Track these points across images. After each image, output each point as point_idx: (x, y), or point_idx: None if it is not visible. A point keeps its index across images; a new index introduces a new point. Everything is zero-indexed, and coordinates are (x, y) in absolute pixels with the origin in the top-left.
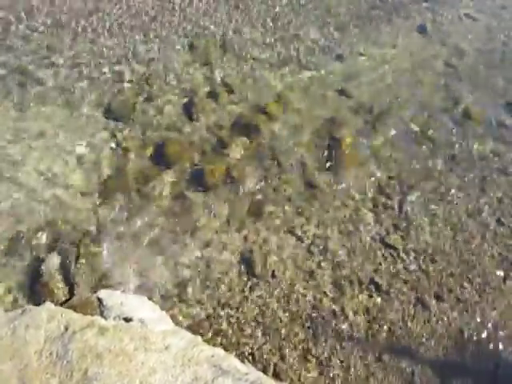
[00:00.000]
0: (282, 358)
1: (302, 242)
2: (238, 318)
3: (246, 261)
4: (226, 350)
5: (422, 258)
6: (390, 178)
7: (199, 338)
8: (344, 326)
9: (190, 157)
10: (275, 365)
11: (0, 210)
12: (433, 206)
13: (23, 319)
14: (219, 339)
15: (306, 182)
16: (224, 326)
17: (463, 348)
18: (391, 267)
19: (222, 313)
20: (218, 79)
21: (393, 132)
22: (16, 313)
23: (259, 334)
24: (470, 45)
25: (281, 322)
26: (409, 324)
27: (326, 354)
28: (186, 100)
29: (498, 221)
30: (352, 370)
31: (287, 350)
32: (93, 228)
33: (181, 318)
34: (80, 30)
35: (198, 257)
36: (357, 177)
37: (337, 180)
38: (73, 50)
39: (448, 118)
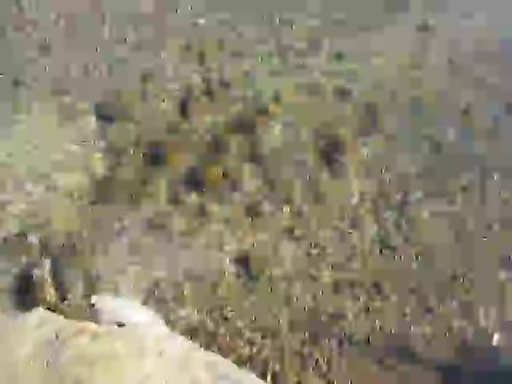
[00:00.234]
0: (281, 363)
1: (301, 245)
2: (235, 322)
3: (243, 263)
4: (222, 355)
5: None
6: (395, 176)
7: (195, 343)
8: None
9: (185, 157)
10: (274, 370)
11: None
12: (436, 207)
13: (12, 325)
14: (216, 344)
15: (305, 182)
16: (221, 330)
17: (465, 350)
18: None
19: (218, 316)
20: (215, 77)
21: (394, 131)
22: (5, 318)
23: (257, 338)
24: None
25: (279, 325)
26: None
27: (326, 359)
28: (181, 98)
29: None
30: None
31: (287, 355)
32: (85, 231)
33: (176, 322)
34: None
35: (194, 259)
36: (358, 176)
37: (337, 179)
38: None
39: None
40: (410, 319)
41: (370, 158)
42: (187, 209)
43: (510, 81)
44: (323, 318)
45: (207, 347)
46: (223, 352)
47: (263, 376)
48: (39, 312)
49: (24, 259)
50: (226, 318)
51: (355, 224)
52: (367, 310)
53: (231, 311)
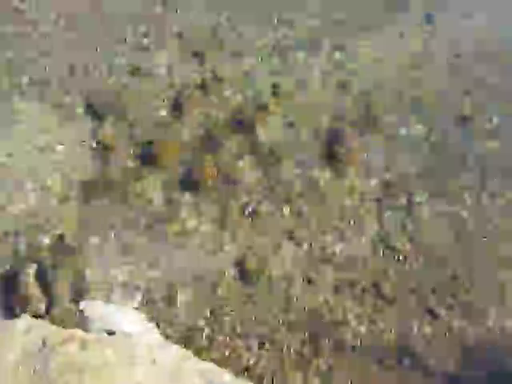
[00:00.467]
0: (281, 371)
1: (301, 246)
2: (232, 329)
3: (241, 267)
4: (218, 363)
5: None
6: (395, 176)
7: (189, 352)
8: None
9: (179, 156)
10: (272, 380)
11: None
12: (440, 207)
13: (0, 331)
14: (211, 352)
15: (305, 182)
16: (217, 337)
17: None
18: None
19: (214, 323)
20: (210, 71)
21: (397, 128)
22: None
23: (255, 345)
24: None
25: (279, 332)
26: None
27: (327, 366)
28: (175, 94)
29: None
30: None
31: (286, 365)
32: (73, 233)
33: (170, 329)
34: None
35: (188, 262)
36: (359, 175)
37: (338, 179)
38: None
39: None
40: (409, 319)
41: (370, 158)
42: (182, 209)
43: (510, 81)
44: (323, 319)
45: (203, 354)
46: (220, 361)
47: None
48: (25, 319)
49: (8, 264)
50: (223, 323)
51: (356, 224)
52: (367, 310)
53: (228, 318)
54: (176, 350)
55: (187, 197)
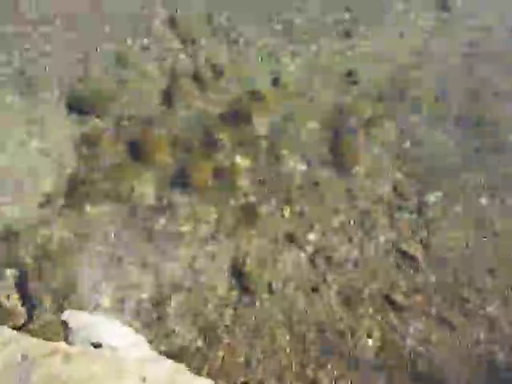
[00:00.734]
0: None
1: (304, 250)
2: (228, 342)
3: (238, 273)
4: (214, 379)
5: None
6: (406, 175)
7: (183, 366)
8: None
9: (171, 152)
10: None
11: None
12: (454, 207)
13: None
14: (207, 367)
15: (307, 181)
16: (212, 350)
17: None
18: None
19: (209, 335)
20: (204, 60)
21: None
22: None
23: (254, 359)
24: None
25: (280, 345)
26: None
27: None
28: (166, 84)
29: None
30: None
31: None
32: (57, 238)
33: (161, 342)
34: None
35: (182, 269)
36: (367, 174)
37: (344, 178)
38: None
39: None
40: (422, 328)
41: (370, 157)
42: (174, 211)
43: (510, 81)
44: (328, 331)
45: (198, 369)
46: (216, 376)
47: None
48: (3, 331)
49: None
50: (218, 338)
51: (366, 228)
52: (378, 319)
53: (224, 329)
54: (169, 365)
55: (180, 197)
